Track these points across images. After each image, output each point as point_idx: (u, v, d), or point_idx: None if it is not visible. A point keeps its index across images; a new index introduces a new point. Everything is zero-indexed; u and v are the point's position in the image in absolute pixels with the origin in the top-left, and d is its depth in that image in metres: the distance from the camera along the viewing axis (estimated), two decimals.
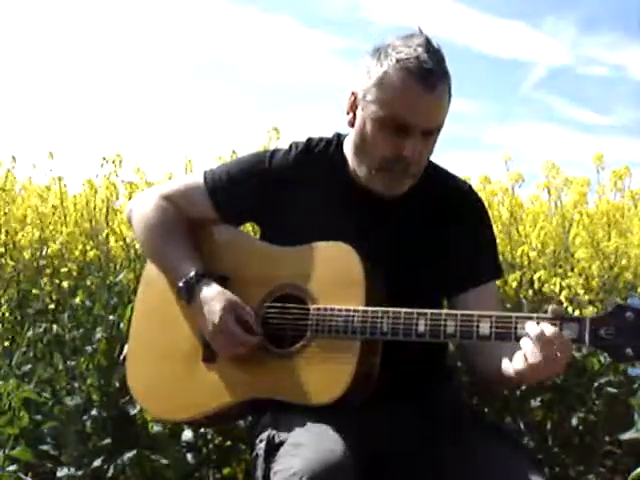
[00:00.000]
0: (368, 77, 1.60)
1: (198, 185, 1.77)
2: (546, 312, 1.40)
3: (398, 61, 1.55)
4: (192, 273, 1.65)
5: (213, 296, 1.62)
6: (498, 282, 2.81)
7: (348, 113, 1.66)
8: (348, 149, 1.70)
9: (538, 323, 1.37)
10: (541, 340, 1.34)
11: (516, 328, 1.39)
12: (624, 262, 2.77)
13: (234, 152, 3.43)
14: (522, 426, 2.72)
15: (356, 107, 1.64)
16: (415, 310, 1.47)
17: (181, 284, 1.66)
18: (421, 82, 1.54)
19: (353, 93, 1.65)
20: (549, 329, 1.35)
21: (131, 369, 1.77)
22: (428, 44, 1.57)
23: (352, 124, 1.65)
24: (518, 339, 1.39)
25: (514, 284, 2.82)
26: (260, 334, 1.60)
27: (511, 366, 1.42)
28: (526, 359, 1.36)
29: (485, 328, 1.42)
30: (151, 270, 1.80)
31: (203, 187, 1.76)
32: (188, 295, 1.65)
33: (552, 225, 3.00)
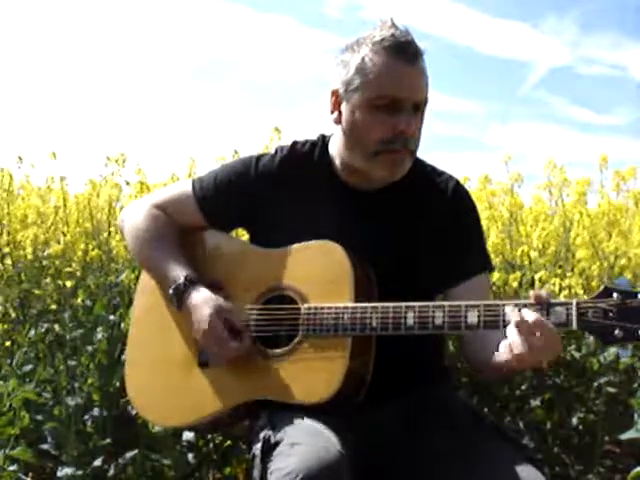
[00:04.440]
0: (347, 70, 1.62)
1: (187, 194, 1.80)
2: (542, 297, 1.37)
3: (374, 44, 1.59)
4: (182, 279, 1.67)
5: (202, 302, 1.63)
6: (501, 281, 2.84)
7: (332, 112, 1.67)
8: (334, 148, 1.71)
9: (521, 310, 1.36)
10: (524, 328, 1.33)
11: (504, 316, 1.39)
12: (624, 262, 2.77)
13: (236, 152, 3.44)
14: (522, 426, 2.72)
15: (340, 103, 1.65)
16: (403, 304, 1.48)
17: (171, 290, 1.68)
18: (401, 55, 1.57)
19: (334, 92, 1.66)
20: (531, 316, 1.34)
21: (129, 378, 1.79)
22: (395, 25, 1.61)
23: (339, 121, 1.66)
24: (506, 327, 1.38)
25: (514, 284, 2.82)
26: (249, 338, 1.61)
27: (498, 356, 1.42)
28: (510, 349, 1.35)
29: (473, 317, 1.42)
30: (146, 278, 1.82)
31: (192, 196, 1.79)
32: (178, 301, 1.67)
33: (553, 225, 3.00)
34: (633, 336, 1.30)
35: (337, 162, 1.71)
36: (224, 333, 1.60)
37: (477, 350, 1.57)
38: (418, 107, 1.61)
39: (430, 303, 1.48)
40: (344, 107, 1.64)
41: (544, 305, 1.36)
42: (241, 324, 1.62)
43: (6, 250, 3.60)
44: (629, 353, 1.35)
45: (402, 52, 1.58)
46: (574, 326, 1.33)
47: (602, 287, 1.35)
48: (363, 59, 1.59)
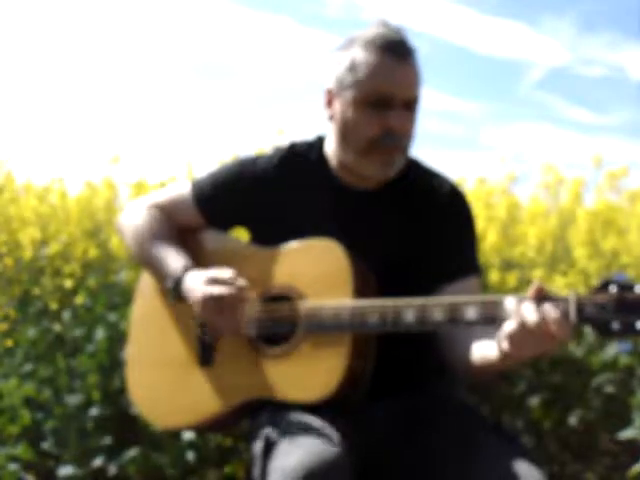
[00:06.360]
0: (339, 68, 1.64)
1: (186, 195, 1.80)
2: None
3: (365, 42, 1.61)
4: (179, 271, 1.67)
5: (197, 279, 1.62)
6: (499, 281, 2.86)
7: (326, 110, 1.69)
8: (330, 147, 1.72)
9: (522, 303, 1.35)
10: (523, 317, 1.32)
11: (503, 311, 1.38)
12: (625, 261, 2.77)
13: (236, 155, 3.46)
14: (520, 425, 2.73)
15: (333, 101, 1.66)
16: (402, 300, 1.48)
17: (170, 284, 1.68)
18: (392, 53, 1.59)
19: (327, 90, 1.68)
20: (529, 306, 1.33)
21: (130, 380, 1.79)
22: (388, 24, 1.63)
23: (332, 118, 1.68)
24: (504, 322, 1.37)
25: (512, 283, 2.82)
26: (242, 281, 1.59)
27: (494, 349, 1.41)
28: (510, 338, 1.34)
29: (472, 313, 1.42)
30: (146, 278, 1.83)
31: (190, 197, 1.79)
32: (176, 291, 1.66)
33: (550, 224, 3.01)
34: (631, 329, 1.30)
35: (332, 161, 1.72)
36: (219, 289, 1.57)
37: (454, 346, 1.58)
38: (409, 105, 1.62)
39: (429, 299, 1.48)
40: (337, 105, 1.66)
41: (543, 299, 1.36)
42: (229, 274, 1.59)
43: (3, 250, 3.61)
44: (629, 346, 1.35)
45: (392, 50, 1.59)
46: (573, 320, 1.33)
47: (601, 280, 1.35)
48: (354, 57, 1.61)
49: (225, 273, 1.61)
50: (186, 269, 1.67)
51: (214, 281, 1.60)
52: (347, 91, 1.62)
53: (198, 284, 1.62)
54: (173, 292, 1.68)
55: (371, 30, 1.62)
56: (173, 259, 1.71)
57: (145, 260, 1.80)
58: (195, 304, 1.62)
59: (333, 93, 1.66)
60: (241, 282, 1.59)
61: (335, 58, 1.66)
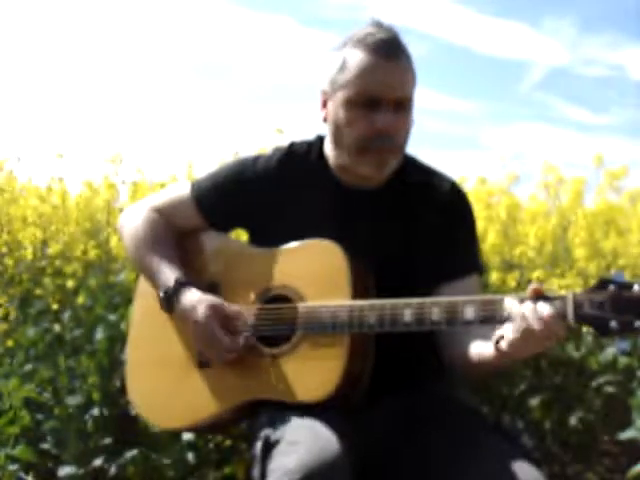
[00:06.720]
0: (332, 68, 1.64)
1: (186, 196, 1.80)
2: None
3: (356, 42, 1.61)
4: (171, 282, 1.67)
5: (194, 303, 1.64)
6: (499, 281, 2.85)
7: (321, 111, 1.70)
8: (328, 147, 1.72)
9: (523, 302, 1.36)
10: (521, 316, 1.33)
11: (501, 311, 1.39)
12: (623, 262, 2.77)
13: (237, 154, 3.46)
14: (521, 425, 2.73)
15: (327, 101, 1.67)
16: (400, 300, 1.49)
17: (162, 294, 1.69)
18: (381, 52, 1.59)
19: (322, 91, 1.68)
20: (527, 305, 1.34)
21: (130, 381, 1.79)
22: (380, 23, 1.63)
23: (326, 119, 1.68)
24: (502, 322, 1.38)
25: (512, 283, 2.82)
26: (248, 333, 1.61)
27: (490, 348, 1.43)
28: (508, 338, 1.36)
29: (470, 313, 1.42)
30: (145, 282, 1.82)
31: (191, 198, 1.80)
32: (168, 305, 1.68)
33: (550, 224, 3.01)
34: (629, 328, 1.30)
35: (332, 161, 1.73)
36: (219, 333, 1.60)
37: (452, 345, 1.59)
38: (401, 104, 1.61)
39: (427, 299, 1.48)
40: (330, 105, 1.66)
41: (541, 298, 1.36)
42: (237, 323, 1.63)
43: (4, 250, 3.61)
44: (628, 346, 1.34)
45: (381, 49, 1.59)
46: (570, 319, 1.33)
47: (598, 279, 1.35)
48: (345, 57, 1.62)
49: (232, 313, 1.63)
50: (178, 283, 1.67)
51: (220, 319, 1.62)
52: (339, 92, 1.62)
53: (200, 309, 1.63)
54: (165, 306, 1.69)
55: (362, 30, 1.62)
56: (166, 270, 1.71)
57: (142, 268, 1.80)
58: (193, 329, 1.65)
59: (327, 94, 1.66)
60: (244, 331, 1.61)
61: (328, 59, 1.66)
